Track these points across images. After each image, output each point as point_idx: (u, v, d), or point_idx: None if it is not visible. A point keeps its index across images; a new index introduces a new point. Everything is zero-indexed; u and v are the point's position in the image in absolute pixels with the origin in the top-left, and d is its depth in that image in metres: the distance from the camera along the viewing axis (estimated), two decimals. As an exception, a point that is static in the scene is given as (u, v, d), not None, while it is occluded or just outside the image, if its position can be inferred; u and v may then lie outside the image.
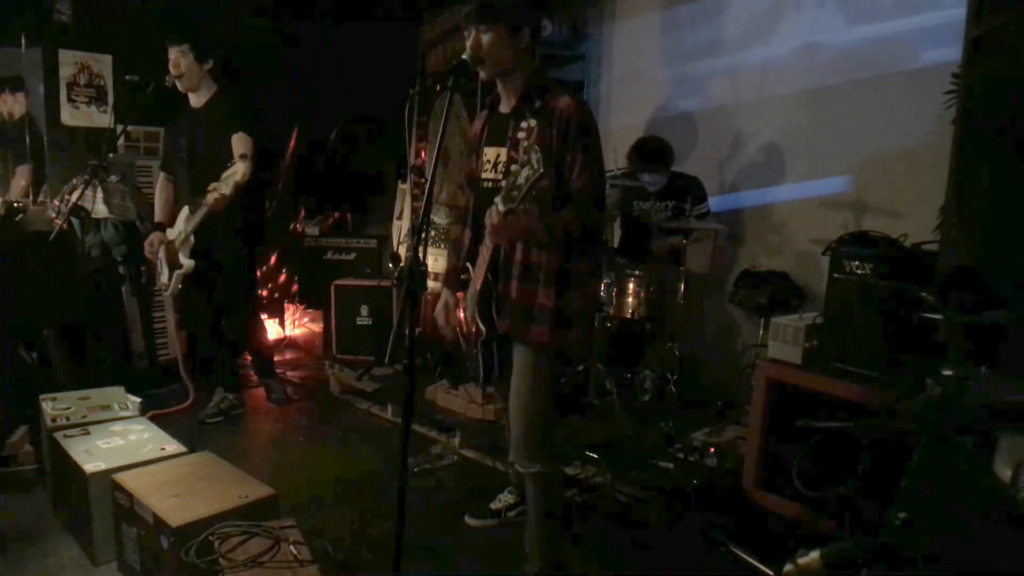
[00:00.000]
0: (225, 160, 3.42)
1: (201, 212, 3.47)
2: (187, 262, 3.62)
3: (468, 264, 2.34)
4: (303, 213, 5.63)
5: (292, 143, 5.14)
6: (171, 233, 3.69)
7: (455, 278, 2.46)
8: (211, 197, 3.36)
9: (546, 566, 2.34)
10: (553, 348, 2.21)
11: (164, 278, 3.72)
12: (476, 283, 2.24)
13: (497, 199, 1.94)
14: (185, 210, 3.69)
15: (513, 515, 2.79)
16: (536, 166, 1.81)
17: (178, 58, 3.53)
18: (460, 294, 2.44)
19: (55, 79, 4.36)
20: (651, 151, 3.91)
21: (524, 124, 2.15)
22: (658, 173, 3.92)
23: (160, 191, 3.88)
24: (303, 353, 5.42)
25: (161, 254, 3.66)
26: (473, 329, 2.28)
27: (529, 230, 2.05)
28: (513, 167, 1.91)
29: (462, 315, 2.39)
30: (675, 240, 3.90)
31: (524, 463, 2.30)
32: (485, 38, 2.10)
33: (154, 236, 3.67)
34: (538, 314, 2.17)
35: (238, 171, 3.35)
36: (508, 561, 2.50)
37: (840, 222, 3.58)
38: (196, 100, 3.67)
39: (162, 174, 3.88)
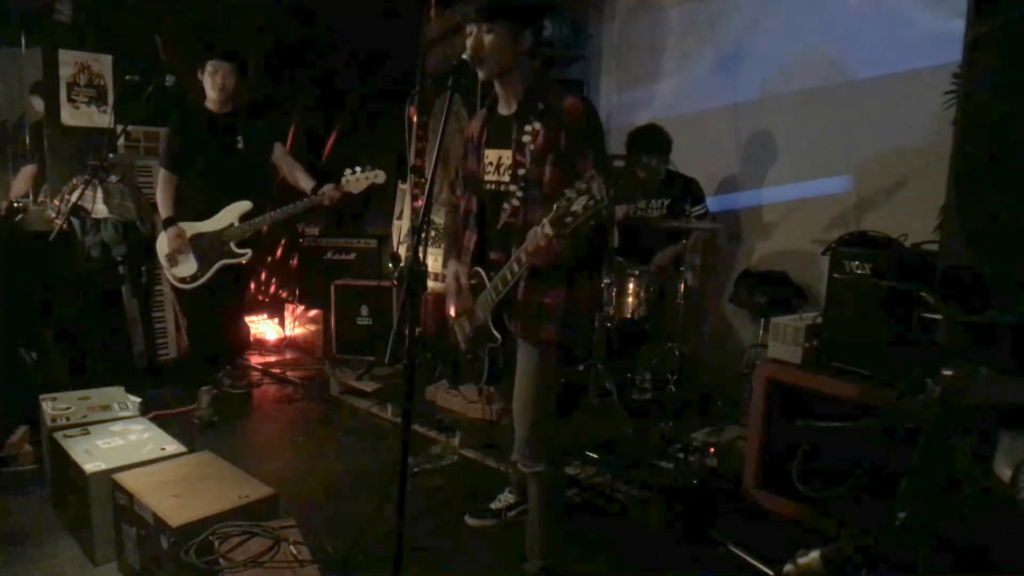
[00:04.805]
0: None
1: (288, 209, 3.68)
2: (245, 252, 3.72)
3: (478, 269, 2.33)
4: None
5: (289, 139, 5.14)
6: (208, 225, 3.67)
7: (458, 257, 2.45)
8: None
9: (547, 565, 2.35)
10: (561, 345, 2.22)
11: (190, 270, 3.69)
12: (494, 294, 2.23)
13: (545, 220, 1.91)
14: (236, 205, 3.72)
15: (513, 515, 2.79)
16: (599, 196, 1.76)
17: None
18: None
19: (55, 79, 4.36)
20: (643, 138, 3.87)
21: (528, 128, 2.15)
22: (653, 155, 3.87)
23: (169, 187, 3.71)
24: (303, 353, 5.42)
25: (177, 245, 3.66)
26: (486, 335, 2.28)
27: (563, 256, 2.06)
28: (567, 192, 1.83)
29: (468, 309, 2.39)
30: (678, 247, 3.90)
31: (528, 463, 2.30)
32: (487, 38, 2.10)
33: (177, 230, 3.63)
34: (546, 313, 2.18)
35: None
36: (508, 561, 2.50)
37: (840, 222, 3.58)
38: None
39: (165, 171, 3.70)
